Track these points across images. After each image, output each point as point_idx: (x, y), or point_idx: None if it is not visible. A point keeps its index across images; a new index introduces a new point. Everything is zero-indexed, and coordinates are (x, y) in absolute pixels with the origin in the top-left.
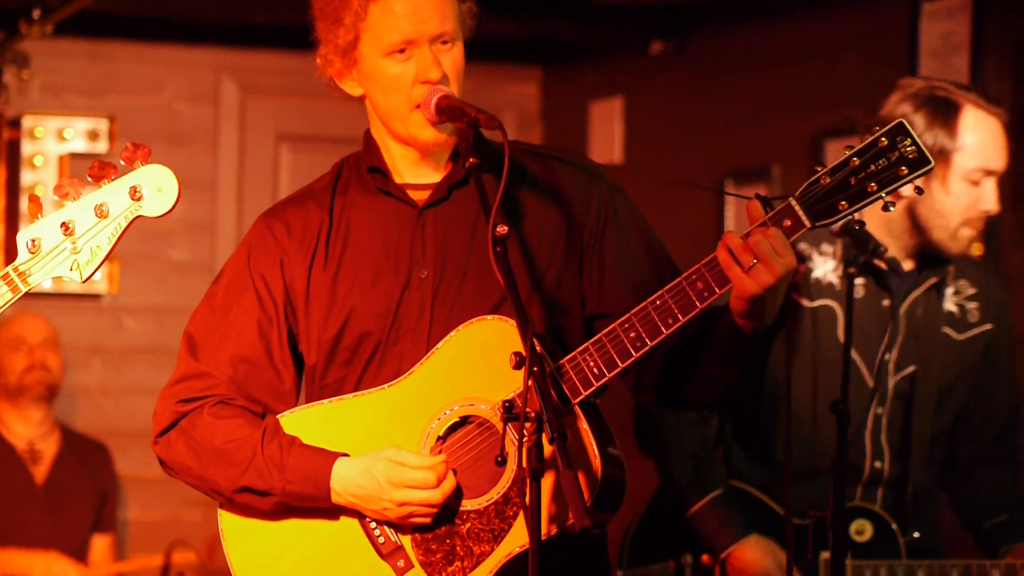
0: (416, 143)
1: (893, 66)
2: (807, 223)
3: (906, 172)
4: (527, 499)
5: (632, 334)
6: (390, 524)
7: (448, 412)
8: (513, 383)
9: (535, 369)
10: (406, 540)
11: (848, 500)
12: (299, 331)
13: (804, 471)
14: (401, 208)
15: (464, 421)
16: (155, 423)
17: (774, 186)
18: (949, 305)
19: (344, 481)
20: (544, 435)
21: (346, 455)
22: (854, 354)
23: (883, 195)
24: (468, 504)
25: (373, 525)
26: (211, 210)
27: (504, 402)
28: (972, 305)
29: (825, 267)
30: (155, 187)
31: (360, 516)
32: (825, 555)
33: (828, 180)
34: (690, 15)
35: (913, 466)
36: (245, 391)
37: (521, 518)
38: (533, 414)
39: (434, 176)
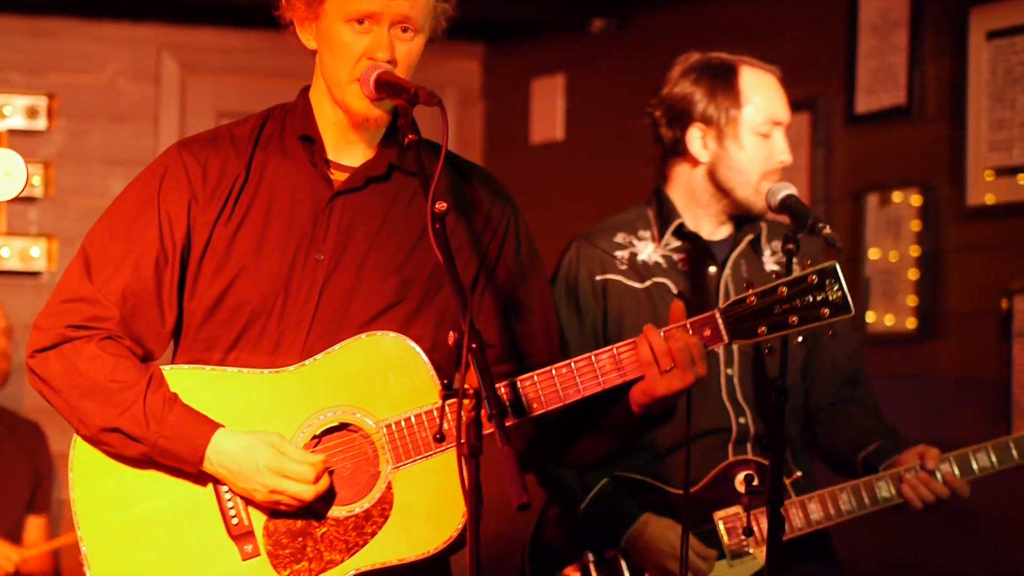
0: (349, 111)
1: (833, 43)
2: (725, 339)
3: (827, 314)
4: (465, 476)
5: (531, 394)
6: (249, 504)
7: (329, 414)
8: (402, 405)
9: (474, 346)
10: (258, 526)
11: (723, 459)
12: (188, 277)
13: (673, 446)
14: (317, 184)
15: (341, 428)
16: (37, 337)
17: None
18: (771, 265)
19: (221, 453)
20: (483, 412)
21: (224, 427)
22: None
23: (799, 331)
24: (331, 511)
25: (230, 503)
26: None
27: (444, 379)
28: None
29: (647, 249)
30: (3, 172)
31: (217, 487)
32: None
33: (755, 301)
34: None
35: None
36: (129, 327)
37: (378, 538)
38: (471, 391)
39: (358, 157)
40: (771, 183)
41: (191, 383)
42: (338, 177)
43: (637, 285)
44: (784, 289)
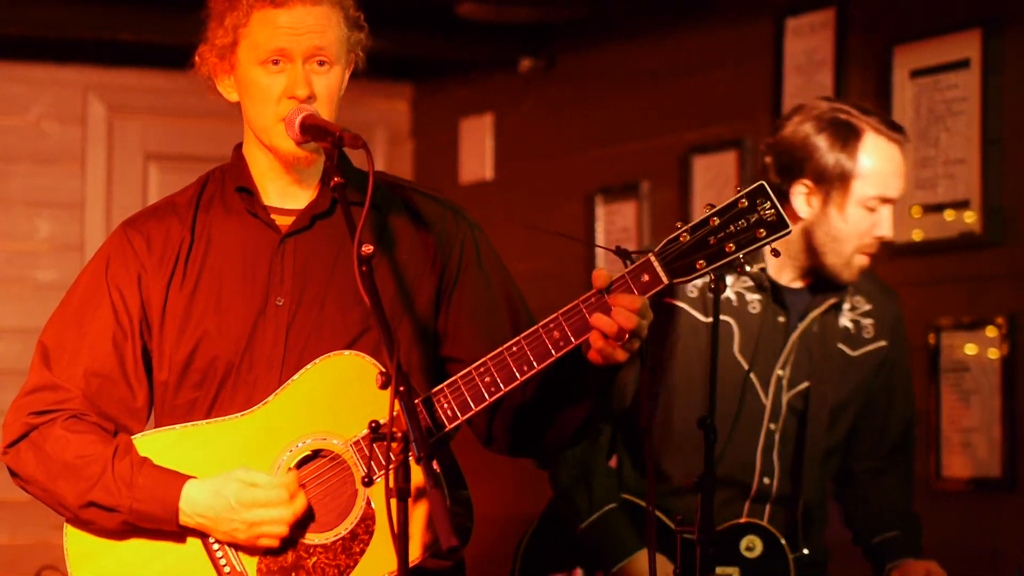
0: (277, 153)
1: (759, 82)
2: (665, 279)
3: (764, 235)
4: (394, 519)
5: (487, 379)
6: (237, 549)
7: (300, 444)
8: (367, 419)
9: (401, 388)
10: (251, 569)
11: (736, 516)
12: (152, 347)
13: (690, 486)
14: (263, 232)
15: (316, 455)
16: (5, 434)
17: (643, 202)
18: (844, 321)
19: (193, 503)
20: (411, 455)
21: (195, 478)
22: (751, 370)
23: (740, 256)
24: (316, 538)
25: (218, 552)
26: (79, 230)
27: (371, 422)
28: (867, 321)
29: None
30: None
31: (205, 542)
32: (723, 571)
33: (688, 238)
34: (559, 32)
35: (805, 483)
36: (97, 406)
37: (367, 555)
38: (400, 434)
39: (301, 200)
40: (865, 257)
41: (161, 445)
42: (283, 221)
43: (702, 319)
44: (716, 219)
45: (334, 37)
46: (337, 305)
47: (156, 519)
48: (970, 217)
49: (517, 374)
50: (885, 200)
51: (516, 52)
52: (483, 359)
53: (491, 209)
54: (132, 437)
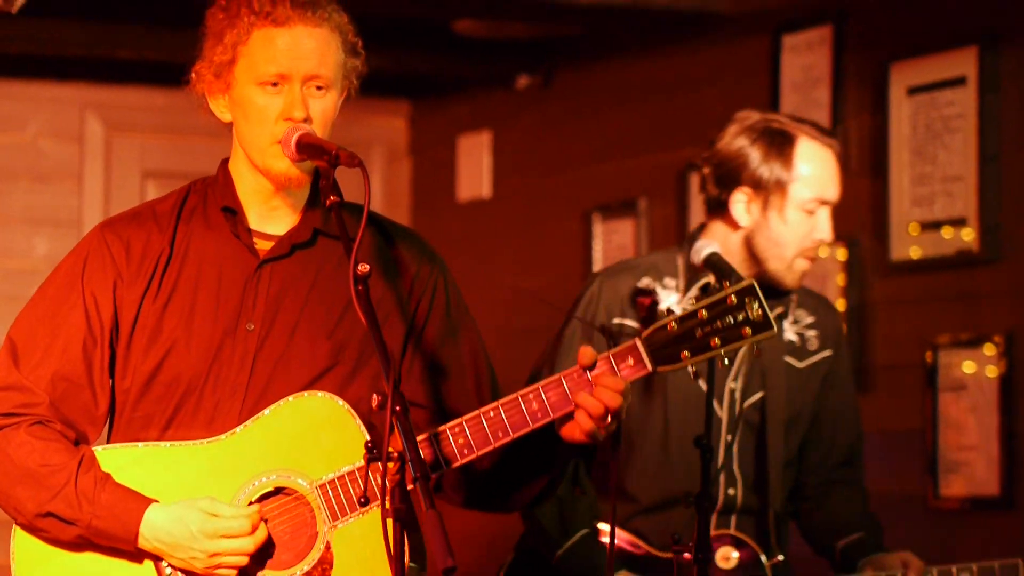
0: (270, 174)
1: (756, 99)
2: (649, 367)
3: (748, 334)
4: (391, 541)
5: (460, 440)
6: None
7: (264, 480)
8: (335, 464)
9: (397, 408)
10: None
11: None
12: (119, 356)
13: (661, 503)
14: (242, 255)
15: (278, 491)
16: None
17: (641, 219)
18: (789, 335)
19: (154, 527)
20: (407, 475)
21: (157, 502)
22: (702, 384)
23: (722, 352)
24: (272, 575)
25: None
26: None
27: (367, 442)
28: (811, 333)
29: (669, 300)
30: None
31: (158, 565)
32: None
33: (675, 327)
34: (556, 49)
35: (771, 492)
36: (61, 411)
37: None
38: (396, 454)
39: (283, 225)
40: (807, 261)
41: (123, 461)
42: (263, 246)
43: None
44: (704, 312)
45: (332, 62)
46: (307, 336)
47: (114, 538)
48: (968, 234)
49: (491, 439)
50: (823, 202)
51: (513, 69)
52: (459, 420)
53: (489, 226)
54: (94, 449)
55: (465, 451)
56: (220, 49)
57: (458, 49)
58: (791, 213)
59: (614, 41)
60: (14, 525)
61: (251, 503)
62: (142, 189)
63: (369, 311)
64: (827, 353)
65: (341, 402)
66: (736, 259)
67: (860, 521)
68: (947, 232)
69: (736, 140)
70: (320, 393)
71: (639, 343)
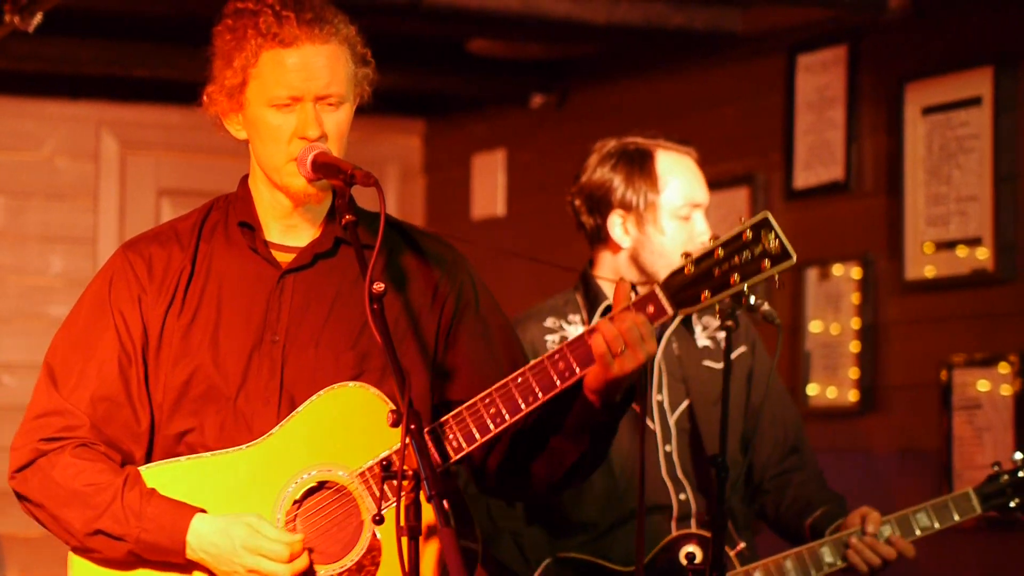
0: (288, 192)
1: (771, 118)
2: (670, 311)
3: (768, 266)
4: (405, 559)
5: (492, 409)
6: None
7: (306, 476)
8: (372, 450)
9: (412, 426)
10: None
11: (665, 535)
12: (151, 371)
13: (617, 522)
14: (263, 268)
15: (321, 486)
16: (13, 458)
17: None
18: (702, 341)
19: (200, 537)
20: (422, 493)
21: (204, 512)
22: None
23: (744, 287)
24: (321, 570)
25: None
26: (91, 266)
27: (382, 460)
28: (722, 335)
29: (577, 333)
30: None
31: None
32: None
33: (692, 269)
34: (570, 69)
35: (720, 489)
36: (103, 431)
37: None
38: (411, 472)
39: (303, 238)
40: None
41: (167, 477)
42: (283, 258)
43: None
44: (720, 251)
45: (343, 76)
46: (331, 346)
47: (163, 550)
48: (983, 254)
49: (522, 405)
50: (695, 206)
51: (528, 88)
52: (488, 391)
53: (503, 244)
54: (139, 468)
55: (498, 420)
56: (230, 72)
57: (473, 68)
58: (667, 223)
59: (628, 61)
60: (69, 552)
61: (295, 502)
62: (157, 207)
63: (384, 330)
64: (743, 349)
65: (373, 389)
66: (630, 277)
67: (820, 497)
68: (962, 251)
69: (598, 170)
70: (351, 383)
71: (658, 289)
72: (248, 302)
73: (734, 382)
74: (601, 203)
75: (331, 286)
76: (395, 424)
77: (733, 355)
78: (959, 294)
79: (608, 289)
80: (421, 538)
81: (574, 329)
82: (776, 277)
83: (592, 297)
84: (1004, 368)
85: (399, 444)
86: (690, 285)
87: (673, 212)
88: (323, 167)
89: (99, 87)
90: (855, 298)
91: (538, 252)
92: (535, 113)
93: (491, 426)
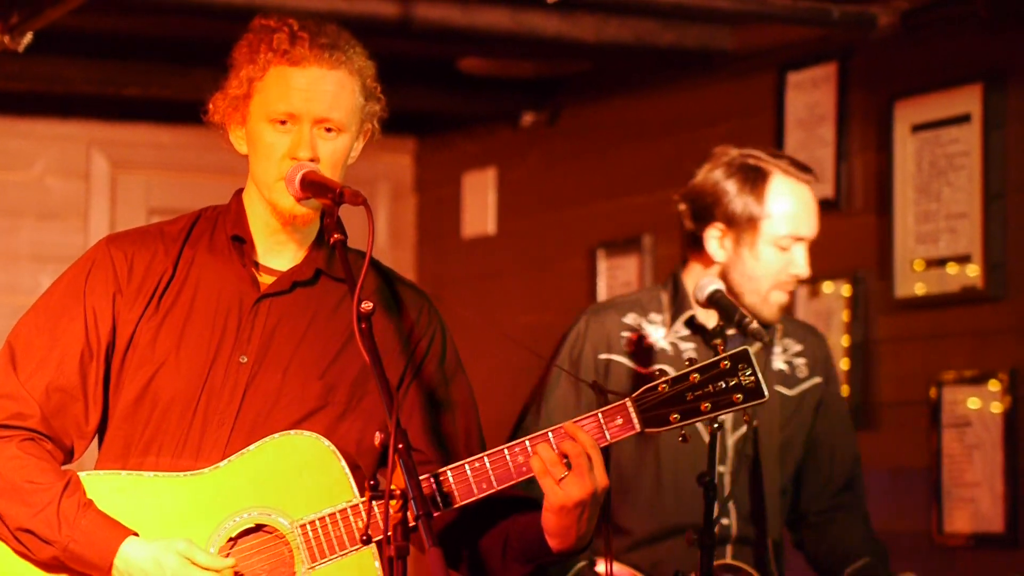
0: (276, 209)
1: (761, 136)
2: (637, 427)
3: (740, 399)
4: None
5: (445, 488)
6: None
7: (246, 516)
8: (317, 505)
9: (400, 446)
10: None
11: (696, 558)
12: (112, 372)
13: (655, 536)
14: (244, 285)
15: (258, 528)
16: None
17: (646, 256)
18: (778, 364)
19: (129, 562)
20: (409, 513)
21: (136, 534)
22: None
23: (712, 416)
24: None
25: None
26: None
27: (369, 480)
28: (800, 361)
29: (657, 334)
30: None
31: None
32: None
33: (666, 389)
34: (561, 87)
35: (767, 520)
36: (52, 424)
37: None
38: (398, 491)
39: (287, 261)
40: (784, 294)
41: (106, 488)
42: (265, 280)
43: (641, 371)
44: (696, 376)
45: (346, 106)
46: (299, 374)
47: (88, 564)
48: (972, 271)
49: (475, 490)
50: (798, 239)
51: (519, 107)
52: (443, 468)
53: (493, 263)
54: (79, 474)
55: (446, 501)
56: (236, 83)
57: (464, 87)
58: (764, 249)
59: (619, 79)
60: None
61: (230, 539)
62: None
63: (372, 348)
64: (816, 380)
65: (327, 443)
66: None
67: (864, 546)
68: (952, 269)
69: (711, 175)
70: (307, 433)
71: (629, 403)
72: (221, 317)
73: (803, 412)
74: (705, 211)
75: (306, 315)
76: (383, 444)
77: (806, 384)
78: (949, 312)
79: (693, 297)
80: (408, 559)
81: (654, 329)
82: (745, 411)
83: (679, 302)
84: (994, 385)
85: (344, 504)
86: (661, 405)
87: (774, 240)
88: (311, 185)
89: (90, 106)
90: (845, 316)
91: (528, 270)
92: (526, 131)
93: (440, 506)
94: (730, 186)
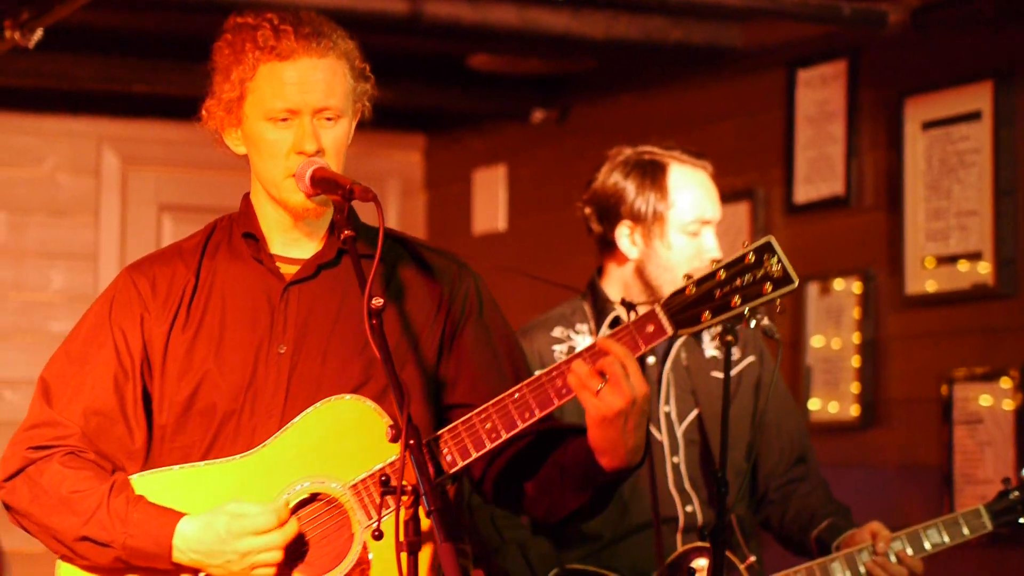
0: (287, 207)
1: (771, 133)
2: (669, 330)
3: (769, 289)
4: (404, 574)
5: (488, 425)
6: None
7: (299, 487)
8: (366, 464)
9: (411, 441)
10: None
11: (672, 550)
12: (153, 390)
13: (623, 534)
14: (268, 279)
15: (313, 498)
16: (2, 467)
17: None
18: (710, 351)
19: (186, 538)
20: (421, 507)
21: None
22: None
23: (745, 310)
24: None
25: None
26: (92, 281)
27: (381, 475)
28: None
29: (585, 343)
30: None
31: None
32: None
33: (694, 290)
34: (571, 84)
35: (729, 500)
36: (96, 445)
37: None
38: (410, 487)
39: (307, 250)
40: None
41: (160, 485)
42: (287, 270)
43: None
44: (722, 273)
45: (341, 90)
46: (339, 355)
47: (149, 555)
48: (983, 268)
49: (518, 421)
50: (704, 222)
51: (528, 104)
52: (485, 405)
53: (503, 260)
54: (133, 475)
55: (493, 435)
56: (228, 86)
57: (474, 84)
58: (674, 238)
59: (629, 76)
60: (57, 560)
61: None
62: (158, 222)
63: (383, 345)
64: (751, 359)
65: (368, 402)
66: (635, 290)
67: (826, 509)
68: (963, 266)
69: (611, 177)
70: (346, 396)
71: (658, 309)
72: (253, 314)
73: (743, 392)
74: (611, 212)
75: (335, 296)
76: (394, 439)
77: (742, 365)
78: (960, 309)
79: (615, 298)
80: (419, 553)
81: (581, 339)
82: (777, 301)
83: (600, 307)
84: (1005, 383)
85: (395, 458)
86: (691, 306)
87: (682, 227)
88: (322, 182)
89: (100, 103)
90: (856, 313)
91: (539, 267)
92: (536, 128)
93: (486, 442)
94: (631, 184)
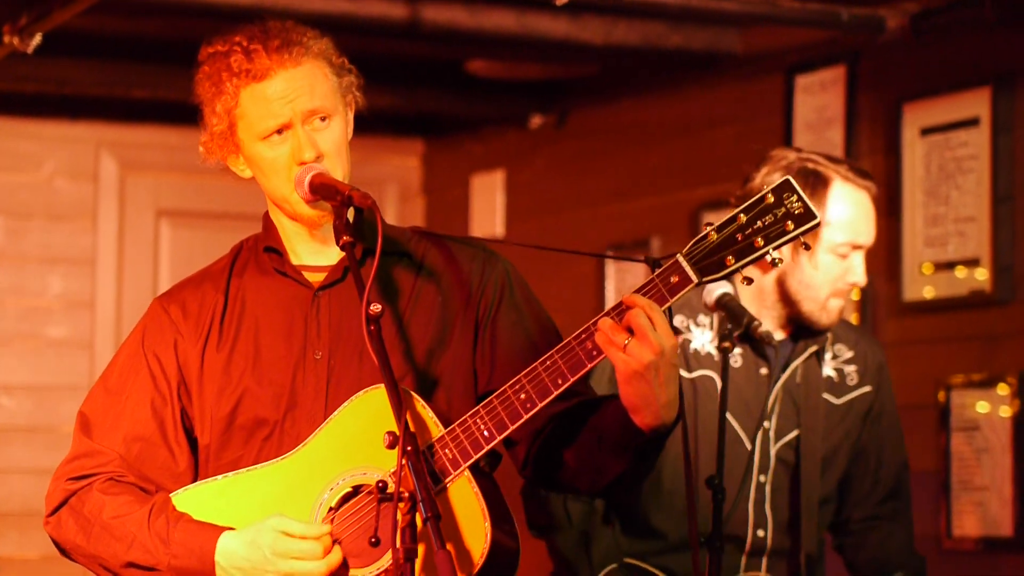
0: (301, 219)
1: (769, 139)
2: (694, 278)
3: (792, 227)
4: None
5: (522, 395)
6: None
7: (340, 482)
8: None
9: (408, 448)
10: None
11: (733, 571)
12: (193, 412)
13: (685, 541)
14: (297, 289)
15: (356, 491)
16: (46, 503)
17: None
18: (828, 370)
19: (229, 554)
20: (418, 515)
21: (232, 529)
22: (736, 424)
23: (770, 250)
24: (356, 573)
25: None
26: (90, 287)
27: (379, 482)
28: (850, 368)
29: (703, 338)
30: None
31: None
32: None
33: (715, 236)
34: (569, 89)
35: (805, 533)
36: (138, 470)
37: None
38: (407, 494)
39: (331, 256)
40: (841, 300)
41: (203, 497)
42: (315, 278)
43: (684, 374)
44: (742, 216)
45: (326, 90)
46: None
47: (195, 573)
48: (981, 275)
49: (551, 387)
50: (856, 247)
51: (527, 109)
52: (518, 376)
53: None
54: (175, 492)
55: (528, 405)
56: (216, 119)
57: (472, 89)
58: (822, 256)
59: (627, 81)
60: None
61: (330, 509)
62: (156, 228)
63: (381, 351)
64: (866, 389)
65: (402, 388)
66: (770, 300)
67: (902, 560)
68: (960, 272)
69: (769, 179)
70: (380, 385)
71: (680, 257)
72: (286, 324)
73: (851, 419)
74: None
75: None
76: (391, 446)
77: (855, 393)
78: (957, 315)
79: (745, 301)
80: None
81: (699, 332)
82: (801, 238)
83: (733, 312)
84: (1003, 389)
85: (435, 433)
86: (714, 251)
87: (832, 247)
88: (320, 188)
89: (98, 108)
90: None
91: (536, 273)
92: (534, 133)
93: (522, 412)
94: None
